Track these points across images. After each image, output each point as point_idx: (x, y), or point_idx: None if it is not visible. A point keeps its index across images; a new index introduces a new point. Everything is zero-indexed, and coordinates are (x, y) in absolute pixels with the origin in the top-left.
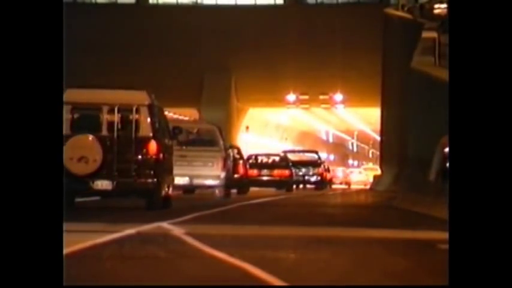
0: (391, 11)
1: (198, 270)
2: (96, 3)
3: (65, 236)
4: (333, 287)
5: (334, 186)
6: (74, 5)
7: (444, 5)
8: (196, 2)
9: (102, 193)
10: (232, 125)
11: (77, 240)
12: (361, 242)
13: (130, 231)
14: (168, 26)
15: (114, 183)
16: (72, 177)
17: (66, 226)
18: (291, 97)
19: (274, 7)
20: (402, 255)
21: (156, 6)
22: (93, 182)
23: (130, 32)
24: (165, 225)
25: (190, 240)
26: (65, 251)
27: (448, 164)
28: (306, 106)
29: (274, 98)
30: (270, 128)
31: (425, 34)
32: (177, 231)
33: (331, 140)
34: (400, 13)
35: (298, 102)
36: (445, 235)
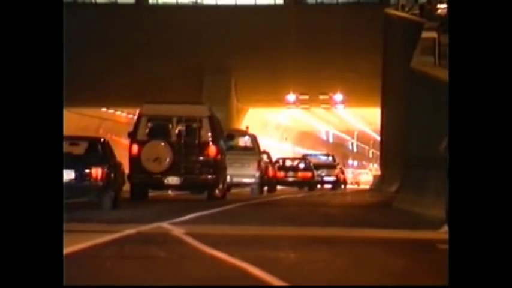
0: (391, 11)
1: (198, 270)
2: (96, 3)
3: (65, 236)
4: (333, 287)
5: (347, 186)
6: (74, 5)
7: (444, 5)
8: (196, 2)
9: (172, 187)
10: (232, 125)
11: (77, 240)
12: (361, 242)
13: (130, 231)
14: (168, 25)
15: (182, 179)
16: (148, 174)
17: (66, 226)
18: (291, 97)
19: (274, 7)
20: (402, 255)
21: (156, 6)
22: (165, 178)
23: (130, 32)
24: (165, 225)
25: (190, 240)
26: (65, 251)
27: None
28: (306, 106)
29: (274, 98)
30: (269, 128)
31: (425, 34)
32: (177, 231)
33: (331, 140)
34: (400, 13)
35: (298, 102)
36: (445, 235)
